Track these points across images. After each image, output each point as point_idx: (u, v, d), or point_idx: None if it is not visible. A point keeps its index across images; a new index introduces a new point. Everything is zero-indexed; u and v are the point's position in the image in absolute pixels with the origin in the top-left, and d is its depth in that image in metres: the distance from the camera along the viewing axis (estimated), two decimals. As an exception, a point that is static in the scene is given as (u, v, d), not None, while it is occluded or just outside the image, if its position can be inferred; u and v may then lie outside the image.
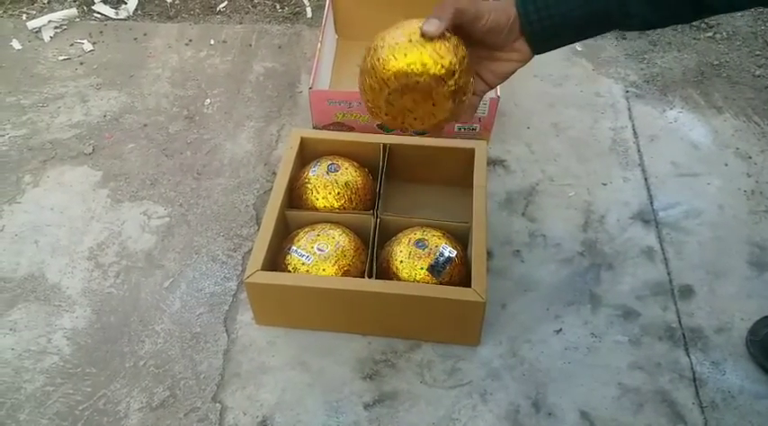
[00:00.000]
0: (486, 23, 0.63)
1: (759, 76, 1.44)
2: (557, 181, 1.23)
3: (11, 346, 1.01)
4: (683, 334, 1.01)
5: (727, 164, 1.26)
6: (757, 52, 1.50)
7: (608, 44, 1.52)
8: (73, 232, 1.16)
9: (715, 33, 1.55)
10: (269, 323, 1.03)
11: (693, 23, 1.57)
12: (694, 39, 1.54)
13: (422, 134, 0.70)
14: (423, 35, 0.61)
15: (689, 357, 0.98)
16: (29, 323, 1.04)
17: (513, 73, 0.69)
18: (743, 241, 1.13)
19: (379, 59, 0.62)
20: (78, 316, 1.05)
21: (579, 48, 1.49)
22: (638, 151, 1.28)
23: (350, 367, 0.98)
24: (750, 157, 1.27)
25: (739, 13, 1.60)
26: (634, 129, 1.33)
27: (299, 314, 1.00)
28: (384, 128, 1.26)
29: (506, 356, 0.99)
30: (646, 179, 1.23)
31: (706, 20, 1.58)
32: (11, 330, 1.03)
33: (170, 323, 1.04)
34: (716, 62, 1.48)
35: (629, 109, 1.37)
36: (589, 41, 1.51)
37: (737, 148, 1.29)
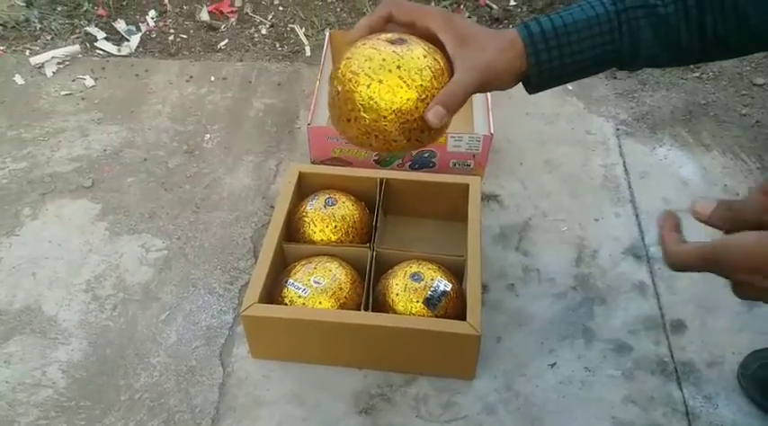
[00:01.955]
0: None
1: (745, 115, 1.48)
2: (550, 216, 1.26)
3: (5, 379, 1.01)
4: (676, 368, 1.02)
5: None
6: (743, 92, 1.54)
7: (599, 83, 1.57)
8: (71, 264, 1.17)
9: (702, 73, 1.60)
10: (265, 357, 1.03)
11: (681, 64, 1.61)
12: (682, 78, 1.59)
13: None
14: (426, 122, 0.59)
15: (681, 391, 0.99)
16: (24, 355, 1.04)
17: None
18: (733, 276, 1.14)
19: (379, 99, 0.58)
20: (74, 349, 1.05)
21: (570, 88, 1.53)
22: (629, 187, 1.31)
23: (345, 401, 0.98)
24: (738, 194, 1.29)
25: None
26: (625, 166, 1.36)
27: (295, 347, 1.01)
28: (381, 163, 1.28)
29: (501, 390, 0.99)
30: (637, 215, 1.26)
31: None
32: (5, 362, 1.03)
33: (166, 357, 1.04)
34: (703, 101, 1.52)
35: (619, 146, 1.40)
36: (581, 81, 1.55)
37: (726, 185, 1.31)
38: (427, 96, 0.59)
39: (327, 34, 1.46)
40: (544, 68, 0.62)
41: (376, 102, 0.58)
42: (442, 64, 0.60)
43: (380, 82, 0.58)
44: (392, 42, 0.60)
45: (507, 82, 0.62)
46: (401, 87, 0.58)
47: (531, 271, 1.16)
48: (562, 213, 1.26)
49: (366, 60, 0.58)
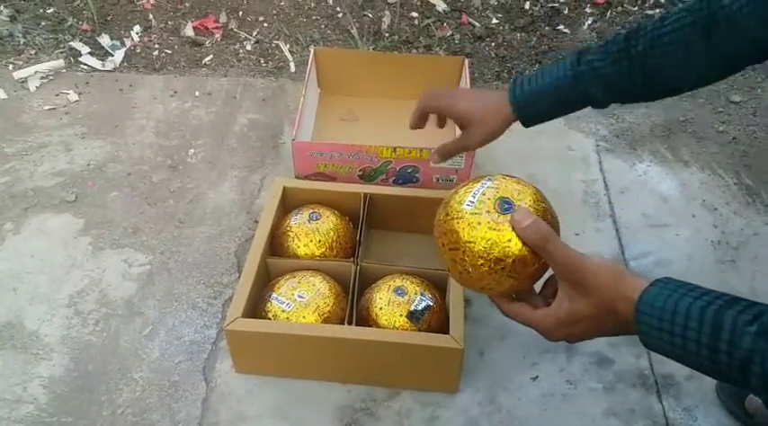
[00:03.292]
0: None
1: (722, 132, 1.51)
2: (532, 230, 1.27)
3: (-15, 395, 1.00)
4: (656, 381, 1.03)
5: (694, 216, 1.31)
6: (720, 109, 1.57)
7: (579, 100, 1.59)
8: (53, 279, 1.16)
9: (680, 91, 1.63)
10: (248, 372, 1.03)
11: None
12: (660, 96, 1.62)
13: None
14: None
15: (661, 403, 1.00)
16: (5, 371, 1.03)
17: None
18: (711, 290, 1.16)
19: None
20: (56, 364, 1.04)
21: (552, 104, 1.56)
22: (609, 203, 1.33)
23: (329, 415, 0.98)
24: (716, 209, 1.32)
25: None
26: (605, 182, 1.38)
27: (278, 361, 1.01)
28: (365, 178, 1.29)
29: (484, 403, 1.00)
30: (617, 229, 1.28)
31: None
32: (-15, 378, 1.02)
33: (149, 372, 1.03)
34: (682, 118, 1.55)
35: (599, 162, 1.43)
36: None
37: (704, 200, 1.34)
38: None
39: (312, 51, 1.47)
40: (524, 113, 0.89)
41: (513, 277, 0.68)
42: (550, 217, 0.72)
43: (514, 260, 0.67)
44: (503, 212, 0.67)
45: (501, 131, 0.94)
46: (531, 259, 0.67)
47: (514, 285, 1.17)
48: (544, 228, 1.27)
49: (493, 245, 0.66)
